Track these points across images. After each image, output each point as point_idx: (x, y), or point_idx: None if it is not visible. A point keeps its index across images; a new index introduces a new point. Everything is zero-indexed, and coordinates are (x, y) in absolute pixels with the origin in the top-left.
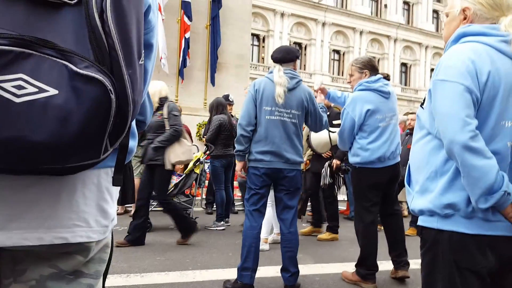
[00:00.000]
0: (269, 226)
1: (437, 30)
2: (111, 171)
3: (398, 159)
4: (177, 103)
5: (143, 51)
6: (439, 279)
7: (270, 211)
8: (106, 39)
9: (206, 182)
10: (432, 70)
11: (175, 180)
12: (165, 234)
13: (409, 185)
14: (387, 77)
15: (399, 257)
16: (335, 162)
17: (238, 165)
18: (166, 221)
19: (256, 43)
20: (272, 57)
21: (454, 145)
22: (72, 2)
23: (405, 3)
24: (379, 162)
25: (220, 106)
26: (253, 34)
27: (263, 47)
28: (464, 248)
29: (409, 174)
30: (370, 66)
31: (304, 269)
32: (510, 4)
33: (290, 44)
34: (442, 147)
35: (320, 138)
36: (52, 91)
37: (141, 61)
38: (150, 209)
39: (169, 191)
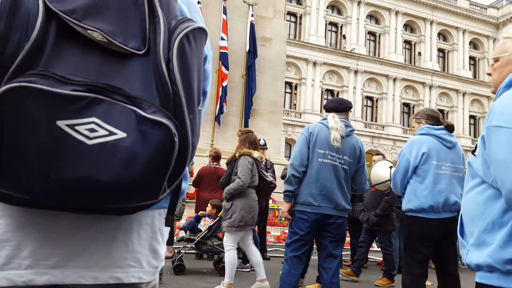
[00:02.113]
0: (233, 272)
1: (474, 76)
2: (164, 212)
3: (456, 213)
4: (212, 147)
5: (201, 98)
6: None
7: (234, 256)
8: (172, 87)
9: None
10: (471, 116)
11: (209, 222)
12: (198, 278)
13: (462, 236)
14: (450, 126)
15: None
16: None
17: (285, 206)
18: (199, 265)
19: (288, 90)
20: (325, 106)
21: None
22: (140, 52)
23: (440, 50)
24: (432, 211)
25: None
26: (285, 82)
27: (295, 94)
28: None
29: (462, 224)
30: (426, 116)
31: None
32: None
33: (322, 91)
34: (498, 196)
35: (380, 174)
36: (121, 134)
37: (200, 107)
38: (184, 251)
39: (203, 234)
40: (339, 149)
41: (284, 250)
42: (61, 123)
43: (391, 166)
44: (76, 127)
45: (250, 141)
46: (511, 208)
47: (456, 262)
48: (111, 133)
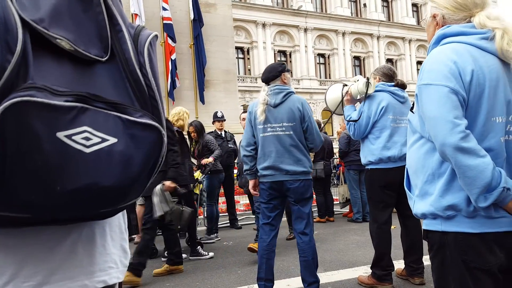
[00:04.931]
0: None
1: (418, 23)
2: (125, 212)
3: None
4: None
5: None
6: (451, 281)
7: None
8: (148, 91)
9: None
10: (418, 62)
11: None
12: None
13: (409, 189)
14: (402, 85)
15: (417, 263)
16: (168, 185)
17: (250, 183)
18: None
19: (241, 55)
20: (262, 79)
21: (446, 148)
22: (103, 59)
23: (384, 0)
24: (390, 161)
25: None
26: (237, 48)
27: (248, 59)
28: (470, 248)
29: (408, 178)
30: (380, 73)
31: None
32: (476, 0)
33: (274, 53)
34: (435, 149)
35: (334, 97)
36: (112, 140)
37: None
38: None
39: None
40: (276, 117)
41: (253, 217)
42: (61, 135)
43: (345, 85)
44: (73, 137)
45: None
46: (445, 159)
47: None
48: (104, 140)
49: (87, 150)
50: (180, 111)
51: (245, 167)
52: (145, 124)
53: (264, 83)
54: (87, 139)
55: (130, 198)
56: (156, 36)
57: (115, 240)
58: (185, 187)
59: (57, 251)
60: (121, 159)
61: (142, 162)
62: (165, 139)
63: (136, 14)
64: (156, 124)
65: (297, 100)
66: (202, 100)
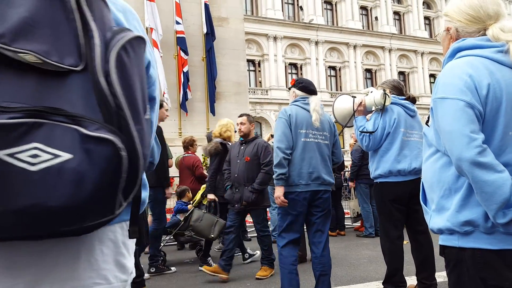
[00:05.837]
0: None
1: (430, 36)
2: (126, 224)
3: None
4: (180, 135)
5: (148, 106)
6: None
7: None
8: (114, 101)
9: None
10: (431, 75)
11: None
12: (181, 268)
13: (425, 204)
14: (413, 99)
15: (430, 280)
16: None
17: (280, 191)
18: (181, 255)
19: (252, 68)
20: (305, 88)
21: (462, 162)
22: (78, 69)
23: (396, 13)
24: (399, 175)
25: None
26: (248, 60)
27: (259, 71)
28: (489, 265)
29: (424, 192)
30: (391, 86)
31: None
32: (490, 12)
33: (285, 66)
34: (451, 163)
35: (346, 108)
36: (66, 156)
37: (147, 115)
38: (163, 244)
39: (180, 226)
40: (319, 126)
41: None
42: (1, 153)
43: (354, 97)
44: (17, 155)
45: None
46: (461, 174)
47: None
48: (56, 156)
49: (33, 168)
50: (227, 123)
51: (281, 170)
52: (99, 138)
53: (312, 94)
54: (35, 156)
55: (93, 217)
56: (138, 38)
57: (106, 255)
58: (223, 198)
59: (39, 264)
60: (73, 177)
61: (97, 179)
62: (124, 153)
63: (151, 28)
64: (112, 138)
65: (330, 116)
66: (212, 111)
